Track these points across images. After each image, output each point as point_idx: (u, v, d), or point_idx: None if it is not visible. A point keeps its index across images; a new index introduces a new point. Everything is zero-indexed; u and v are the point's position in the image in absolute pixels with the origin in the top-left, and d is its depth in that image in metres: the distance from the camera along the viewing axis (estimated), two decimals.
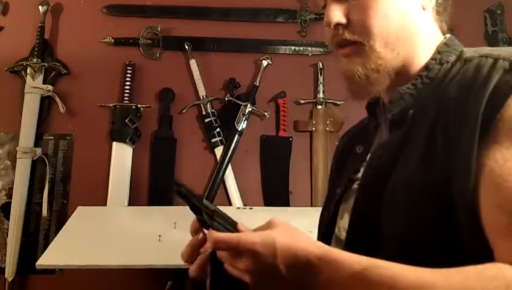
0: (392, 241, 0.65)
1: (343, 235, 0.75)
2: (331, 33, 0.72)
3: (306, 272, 0.55)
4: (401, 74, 0.72)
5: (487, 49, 0.67)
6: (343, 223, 0.76)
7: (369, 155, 0.76)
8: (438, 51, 0.72)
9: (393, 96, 0.72)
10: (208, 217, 0.63)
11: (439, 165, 0.60)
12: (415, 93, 0.70)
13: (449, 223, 0.58)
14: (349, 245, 0.71)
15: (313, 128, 2.14)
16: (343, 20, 0.70)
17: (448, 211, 0.58)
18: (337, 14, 0.70)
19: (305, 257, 0.55)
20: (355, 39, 0.70)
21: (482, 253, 0.55)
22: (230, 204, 2.04)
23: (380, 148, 0.74)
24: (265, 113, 2.14)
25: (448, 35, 0.75)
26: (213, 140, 2.10)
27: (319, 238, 0.83)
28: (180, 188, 0.63)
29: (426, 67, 0.71)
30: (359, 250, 0.59)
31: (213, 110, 2.13)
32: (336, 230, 0.79)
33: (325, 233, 0.80)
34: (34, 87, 2.03)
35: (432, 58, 0.71)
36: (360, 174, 0.76)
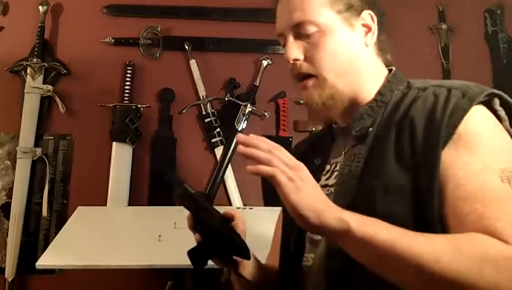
0: None
1: (318, 237, 0.84)
2: (291, 67, 0.86)
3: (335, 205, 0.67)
4: (354, 100, 0.86)
5: (435, 81, 0.82)
6: None
7: (327, 167, 0.89)
8: (388, 80, 0.87)
9: (354, 116, 0.86)
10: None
11: (407, 170, 0.73)
12: (373, 114, 0.84)
13: (419, 217, 0.70)
14: (331, 246, 0.78)
15: (313, 129, 2.14)
16: (301, 57, 0.85)
17: (417, 207, 0.71)
18: (295, 51, 0.85)
19: None
20: (310, 72, 0.84)
21: None
22: (230, 204, 2.04)
23: (349, 160, 0.83)
24: (265, 113, 2.14)
25: (394, 68, 0.90)
26: (213, 140, 2.10)
27: (286, 244, 0.91)
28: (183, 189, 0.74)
29: (380, 93, 0.85)
30: (339, 250, 0.69)
31: (213, 110, 2.13)
32: (309, 233, 0.86)
33: (297, 237, 0.88)
34: (34, 87, 2.03)
35: (383, 86, 0.86)
36: (324, 182, 0.87)
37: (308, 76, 0.85)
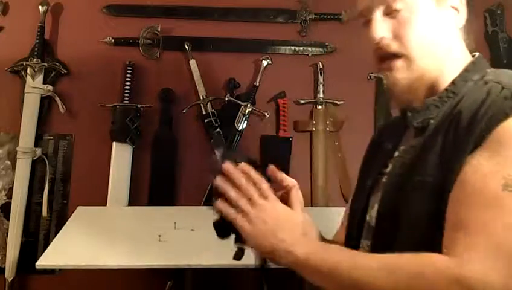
0: (409, 229, 0.75)
1: (373, 222, 0.85)
2: (375, 46, 0.82)
3: (292, 238, 0.75)
4: (433, 86, 0.82)
5: (503, 75, 0.77)
6: (373, 212, 0.86)
7: (396, 153, 0.86)
8: (466, 69, 0.82)
9: (420, 106, 0.82)
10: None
11: (442, 166, 0.72)
12: (440, 105, 0.80)
13: (438, 213, 0.70)
14: (378, 231, 0.83)
15: (313, 129, 2.14)
16: (388, 35, 0.81)
17: (438, 204, 0.70)
18: (382, 29, 0.81)
19: (299, 228, 0.77)
20: (396, 51, 0.81)
21: None
22: None
23: (405, 151, 0.84)
24: (265, 113, 2.13)
25: (477, 54, 0.85)
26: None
27: (350, 227, 0.93)
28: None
29: (453, 82, 0.80)
30: (386, 235, 0.77)
31: (213, 110, 2.13)
32: (368, 218, 0.88)
33: (359, 222, 0.90)
34: (34, 87, 2.03)
35: (459, 75, 0.81)
36: (388, 169, 0.86)
37: (395, 56, 0.81)
